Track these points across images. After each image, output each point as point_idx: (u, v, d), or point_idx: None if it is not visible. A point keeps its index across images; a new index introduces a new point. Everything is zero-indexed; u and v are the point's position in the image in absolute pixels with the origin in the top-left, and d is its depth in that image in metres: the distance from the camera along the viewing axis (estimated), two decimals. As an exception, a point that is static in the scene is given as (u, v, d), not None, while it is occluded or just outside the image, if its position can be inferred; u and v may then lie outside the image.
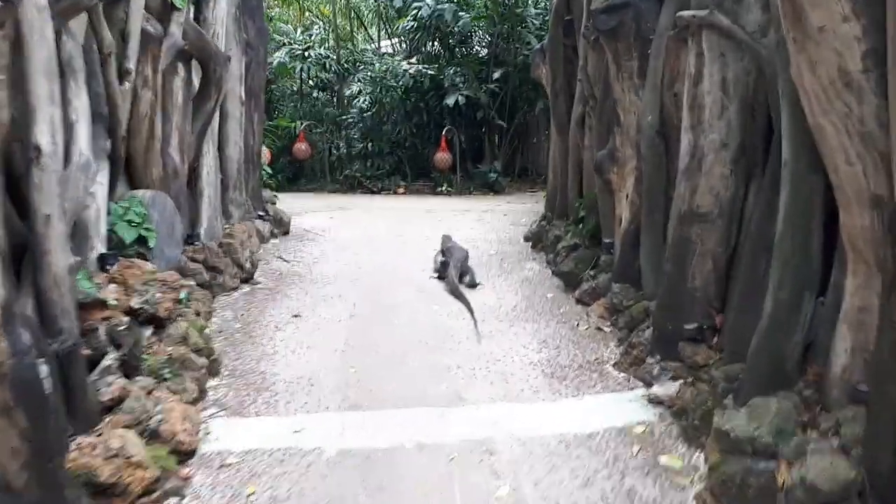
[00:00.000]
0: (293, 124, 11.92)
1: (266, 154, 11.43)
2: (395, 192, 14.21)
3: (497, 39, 14.38)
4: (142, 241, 4.50)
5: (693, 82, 4.02)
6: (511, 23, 13.93)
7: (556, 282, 6.36)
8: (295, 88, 15.93)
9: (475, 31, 14.79)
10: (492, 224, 9.74)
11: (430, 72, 13.97)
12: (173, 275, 4.26)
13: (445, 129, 13.90)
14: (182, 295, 4.33)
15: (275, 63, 14.67)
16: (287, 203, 11.59)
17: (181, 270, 4.96)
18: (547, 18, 13.75)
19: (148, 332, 4.03)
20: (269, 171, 8.84)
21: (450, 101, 13.51)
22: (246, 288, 6.10)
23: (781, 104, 3.21)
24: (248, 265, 6.16)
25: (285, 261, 7.11)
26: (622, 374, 4.34)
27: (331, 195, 13.98)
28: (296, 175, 15.24)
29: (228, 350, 4.74)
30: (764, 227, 3.53)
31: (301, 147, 14.39)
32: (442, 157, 13.82)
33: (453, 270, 6.68)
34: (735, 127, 3.86)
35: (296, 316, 5.47)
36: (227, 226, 7.15)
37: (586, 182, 6.46)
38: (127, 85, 4.51)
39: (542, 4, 14.01)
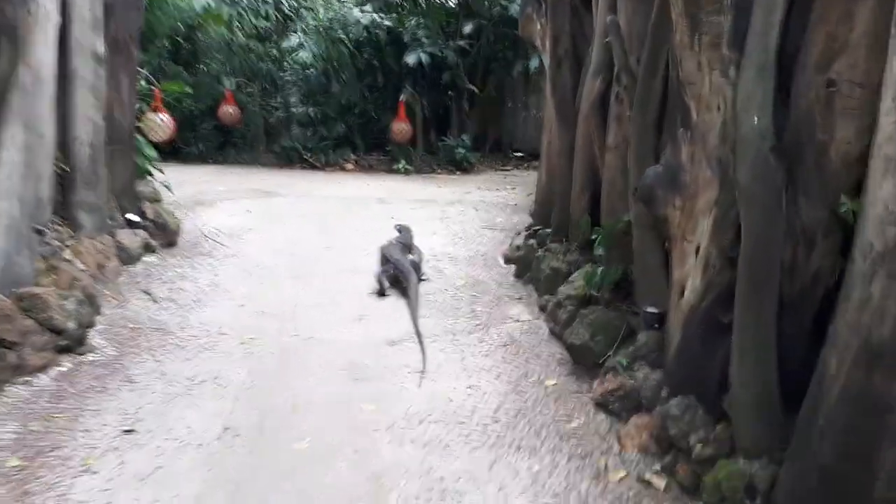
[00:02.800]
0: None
1: (169, 124, 8.92)
2: (343, 169, 11.83)
3: (469, -15, 11.93)
4: None
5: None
6: (487, -35, 11.53)
7: (556, 350, 4.19)
8: (226, 39, 13.24)
9: (443, -25, 12.33)
10: (460, 226, 7.50)
11: (387, 23, 11.48)
12: None
13: (404, 93, 11.50)
14: None
15: (197, 6, 11.99)
16: (199, 184, 9.23)
17: None
18: (531, -40, 11.36)
19: None
20: (151, 153, 6.41)
21: (410, 59, 11.12)
22: (66, 364, 3.79)
23: None
24: (72, 325, 3.84)
25: (153, 300, 4.79)
26: None
27: (263, 170, 11.55)
28: (223, 144, 12.71)
29: (-40, 543, 2.48)
30: None
31: (228, 110, 11.86)
32: (400, 127, 11.45)
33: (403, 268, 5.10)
34: None
35: (128, 431, 3.21)
36: (69, 242, 4.81)
37: (606, 199, 4.26)
38: None
39: (526, -57, 11.56)
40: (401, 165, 11.57)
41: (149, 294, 4.87)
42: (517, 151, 13.85)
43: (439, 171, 11.96)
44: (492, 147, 13.63)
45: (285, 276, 5.46)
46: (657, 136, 3.57)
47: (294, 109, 12.57)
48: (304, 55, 11.65)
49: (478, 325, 4.60)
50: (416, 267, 5.41)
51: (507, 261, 5.88)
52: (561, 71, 5.07)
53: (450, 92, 12.52)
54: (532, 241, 5.51)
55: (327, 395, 3.61)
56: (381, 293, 5.09)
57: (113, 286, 4.92)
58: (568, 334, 3.94)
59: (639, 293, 3.67)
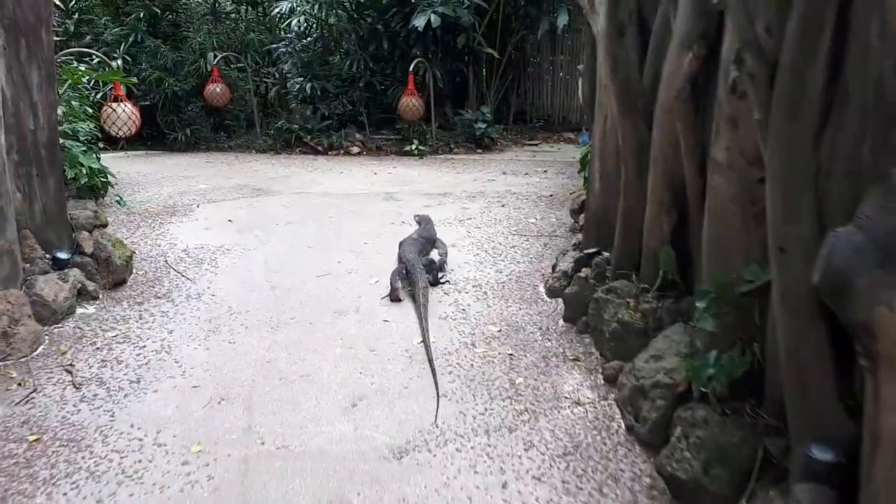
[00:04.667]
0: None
1: (135, 115, 7.56)
2: (348, 153, 10.44)
3: (485, -69, 10.30)
4: None
5: None
6: None
7: (642, 467, 2.83)
8: (209, 5, 11.76)
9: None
10: (484, 231, 6.11)
11: (390, -20, 9.95)
12: None
13: (414, 62, 10.01)
14: None
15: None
16: (179, 181, 8.00)
17: None
18: None
19: None
20: (92, 163, 5.07)
21: (419, 21, 9.60)
22: None
23: None
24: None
25: (74, 384, 3.50)
26: None
27: (258, 158, 10.21)
28: (214, 128, 11.37)
29: None
30: None
31: (215, 89, 10.50)
32: (410, 103, 9.99)
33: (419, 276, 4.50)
34: None
35: None
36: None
37: (711, 237, 2.84)
38: None
39: None
40: (413, 147, 10.15)
41: (70, 372, 3.59)
42: (543, 119, 12.38)
43: (457, 149, 10.53)
44: (515, 118, 12.15)
45: (260, 328, 4.15)
46: (816, 156, 2.16)
47: (291, 84, 11.14)
48: (296, 21, 10.17)
49: (521, 412, 3.25)
50: (433, 266, 4.75)
51: (551, 292, 4.51)
52: (624, 42, 3.60)
53: (466, 58, 10.99)
54: (586, 272, 4.13)
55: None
56: (395, 298, 4.53)
57: (22, 364, 3.65)
58: (665, 457, 2.59)
59: (789, 412, 2.29)
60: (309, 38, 10.84)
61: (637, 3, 3.65)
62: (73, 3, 11.50)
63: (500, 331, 4.08)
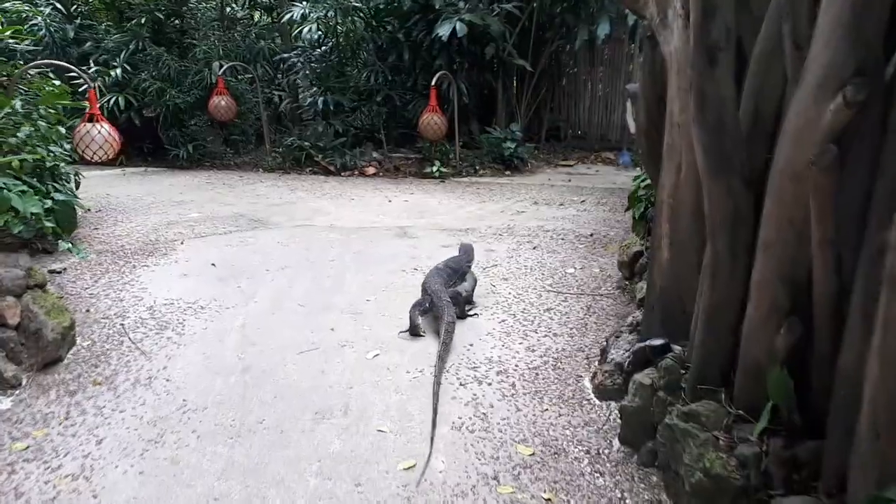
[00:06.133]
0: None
1: (114, 137, 6.64)
2: (363, 174, 9.48)
3: (518, -70, 9.29)
4: None
5: None
6: None
7: None
8: (217, 11, 10.90)
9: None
10: (512, 286, 5.07)
11: (412, -16, 8.97)
12: None
13: (437, 74, 9.02)
14: None
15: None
16: (169, 208, 7.12)
17: None
18: None
19: None
20: (33, 207, 4.13)
21: (443, 30, 8.63)
22: None
23: None
24: None
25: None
26: None
27: (264, 178, 9.30)
28: (223, 142, 10.51)
29: None
30: None
31: (220, 103, 9.61)
32: (431, 120, 8.99)
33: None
34: None
35: None
36: None
37: (883, 389, 1.78)
38: None
39: None
40: (434, 168, 9.15)
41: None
42: (577, 134, 11.34)
43: (482, 171, 9.51)
44: (548, 135, 11.10)
45: (216, 437, 3.15)
46: None
47: (303, 97, 10.23)
48: (307, 30, 9.25)
49: None
50: (459, 299, 4.36)
51: (601, 392, 3.45)
52: (716, 73, 2.54)
53: (495, 70, 9.97)
54: (651, 376, 3.06)
55: None
56: (415, 333, 4.14)
57: None
58: None
59: None
60: (323, 48, 9.92)
61: (735, 15, 2.59)
62: (75, 7, 10.76)
63: (533, 455, 3.03)
